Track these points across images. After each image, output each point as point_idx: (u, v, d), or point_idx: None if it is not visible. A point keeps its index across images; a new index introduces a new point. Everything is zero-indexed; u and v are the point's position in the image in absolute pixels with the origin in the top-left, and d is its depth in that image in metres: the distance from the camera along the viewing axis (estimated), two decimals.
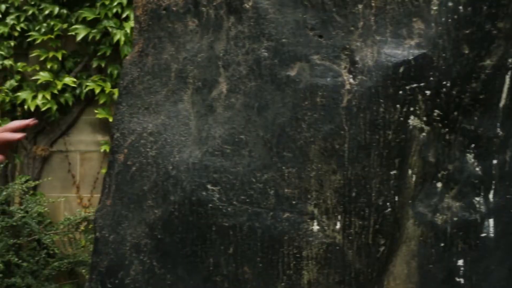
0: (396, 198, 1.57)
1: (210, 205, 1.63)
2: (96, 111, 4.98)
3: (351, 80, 1.56)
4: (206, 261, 1.64)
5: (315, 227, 1.58)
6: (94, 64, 5.01)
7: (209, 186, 1.64)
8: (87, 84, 4.94)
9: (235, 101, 1.65)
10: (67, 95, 4.98)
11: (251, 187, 1.61)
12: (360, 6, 1.57)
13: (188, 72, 1.73)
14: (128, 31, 4.81)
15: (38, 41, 4.92)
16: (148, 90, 1.78)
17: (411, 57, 1.54)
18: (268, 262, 1.60)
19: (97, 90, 4.91)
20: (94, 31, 4.90)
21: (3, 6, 4.91)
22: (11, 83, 4.95)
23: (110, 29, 4.86)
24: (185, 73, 1.73)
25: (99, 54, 4.97)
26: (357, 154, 1.56)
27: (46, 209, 4.78)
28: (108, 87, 4.93)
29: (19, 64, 4.96)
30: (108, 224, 1.75)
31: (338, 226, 1.58)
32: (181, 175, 1.67)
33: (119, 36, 4.84)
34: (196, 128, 1.69)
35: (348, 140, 1.56)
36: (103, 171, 5.10)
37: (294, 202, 1.59)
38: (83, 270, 4.65)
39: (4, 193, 4.56)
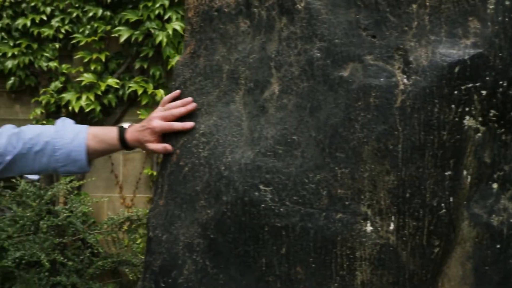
0: (451, 199, 1.56)
1: (263, 205, 1.64)
2: (138, 112, 5.04)
3: (405, 81, 1.56)
4: (259, 261, 1.65)
5: (369, 228, 1.58)
6: (137, 66, 5.08)
7: (261, 187, 1.64)
8: (130, 85, 5.01)
9: (287, 102, 1.65)
10: (110, 96, 5.06)
11: (304, 187, 1.61)
12: (414, 6, 1.57)
13: (240, 73, 1.74)
14: (170, 32, 4.87)
15: (82, 43, 5.01)
16: (200, 91, 1.79)
17: (466, 57, 1.53)
18: (321, 263, 1.60)
19: (140, 91, 4.98)
20: (136, 32, 4.96)
21: (48, 9, 5.00)
22: (56, 84, 5.05)
23: (152, 31, 4.92)
24: (237, 74, 1.74)
25: (141, 55, 5.03)
26: (411, 155, 1.55)
27: (90, 208, 4.85)
28: (150, 88, 4.99)
29: (63, 65, 5.06)
30: (161, 224, 1.77)
31: (391, 227, 1.57)
32: (233, 176, 1.68)
33: (161, 37, 4.90)
34: (248, 129, 1.70)
35: (402, 141, 1.56)
36: (146, 171, 5.16)
37: (347, 202, 1.59)
38: (126, 269, 4.71)
39: (49, 193, 4.64)
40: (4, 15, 5.02)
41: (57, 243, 4.55)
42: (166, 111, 1.83)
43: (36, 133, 1.92)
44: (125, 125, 1.90)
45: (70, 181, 4.74)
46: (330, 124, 1.60)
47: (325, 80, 1.61)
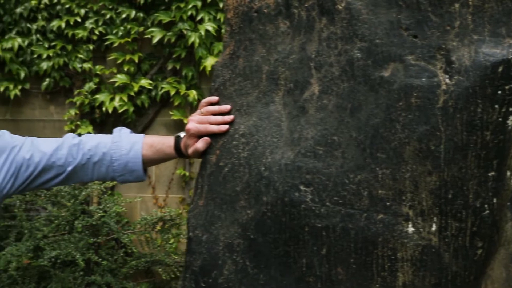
0: (494, 200, 1.55)
1: (303, 206, 1.64)
2: (171, 113, 5.08)
3: (447, 80, 1.55)
4: (299, 262, 1.65)
5: (410, 229, 1.57)
6: (169, 66, 5.11)
7: (301, 187, 1.64)
8: (163, 86, 5.04)
9: (327, 102, 1.65)
10: (143, 97, 5.09)
11: (344, 188, 1.61)
12: (456, 5, 1.55)
13: (279, 73, 1.74)
14: (203, 33, 4.89)
15: (115, 44, 5.05)
16: (240, 91, 1.80)
17: (510, 56, 1.51)
18: (362, 264, 1.60)
19: (172, 92, 5.01)
20: (169, 33, 4.99)
21: (82, 11, 5.05)
22: (89, 85, 5.09)
23: (185, 32, 4.95)
24: (276, 74, 1.74)
25: (174, 56, 5.06)
26: (454, 155, 1.54)
27: (123, 209, 4.89)
28: (183, 88, 5.02)
29: (97, 67, 5.10)
30: (201, 224, 1.78)
31: (434, 228, 1.56)
32: (273, 176, 1.68)
33: (193, 38, 4.92)
34: (288, 129, 1.70)
35: (444, 141, 1.55)
36: (178, 171, 5.19)
37: (388, 203, 1.58)
38: (160, 269, 4.74)
39: (84, 193, 4.69)
40: (40, 17, 5.08)
41: (91, 242, 4.59)
42: (203, 117, 1.85)
43: (94, 144, 1.99)
44: (182, 134, 1.94)
45: (103, 182, 4.78)
46: (371, 125, 1.60)
47: (366, 80, 1.61)
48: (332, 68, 1.65)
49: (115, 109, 5.03)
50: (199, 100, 5.08)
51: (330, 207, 1.62)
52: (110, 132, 5.01)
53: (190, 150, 1.91)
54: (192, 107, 5.14)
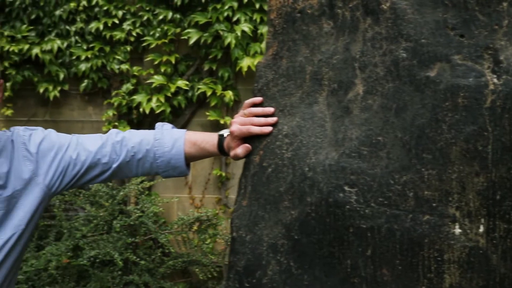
0: None
1: (348, 206, 1.63)
2: (207, 113, 5.10)
3: (495, 80, 1.53)
4: (344, 263, 1.65)
5: (457, 230, 1.55)
6: (206, 67, 5.13)
7: (346, 188, 1.64)
8: (199, 86, 5.06)
9: (372, 103, 1.64)
10: (179, 97, 5.12)
11: (389, 189, 1.60)
12: (505, 4, 1.54)
13: (323, 74, 1.73)
14: (239, 34, 4.90)
15: (152, 46, 5.09)
16: (283, 92, 1.80)
17: None
18: (408, 265, 1.59)
19: (209, 93, 5.02)
20: (205, 34, 5.01)
21: (120, 13, 5.10)
22: (127, 86, 5.14)
23: (221, 33, 4.96)
24: (320, 75, 1.74)
25: (210, 57, 5.08)
26: (502, 156, 1.52)
27: (161, 209, 4.93)
28: (219, 89, 5.03)
29: (134, 68, 5.15)
30: (245, 225, 1.79)
31: (481, 229, 1.54)
32: (317, 177, 1.68)
33: (230, 39, 4.93)
34: (332, 130, 1.70)
35: (492, 142, 1.53)
36: (215, 172, 5.21)
37: (434, 204, 1.57)
38: (197, 269, 4.76)
39: (121, 193, 4.73)
40: (78, 19, 5.14)
41: (129, 242, 4.63)
42: (246, 118, 1.85)
43: (138, 141, 2.03)
44: (225, 132, 1.95)
45: (141, 182, 4.82)
46: (416, 125, 1.59)
47: (411, 80, 1.60)
48: (377, 68, 1.64)
49: (152, 109, 5.06)
50: (235, 101, 5.10)
51: (375, 208, 1.61)
52: None
53: (231, 153, 1.92)
54: (228, 108, 5.15)
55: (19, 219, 1.97)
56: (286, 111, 1.79)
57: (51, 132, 2.05)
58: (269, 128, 1.81)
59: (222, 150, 1.97)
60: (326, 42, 1.74)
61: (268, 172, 1.78)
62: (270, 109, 1.82)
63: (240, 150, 1.86)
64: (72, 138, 2.04)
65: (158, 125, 2.10)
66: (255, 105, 1.87)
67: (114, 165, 2.03)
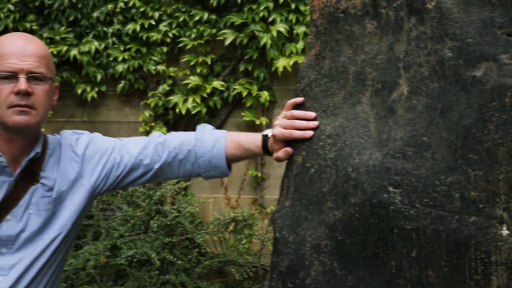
0: None
1: (392, 207, 1.62)
2: (243, 114, 5.11)
3: None
4: (388, 264, 1.64)
5: (505, 232, 1.53)
6: (241, 68, 5.14)
7: (390, 189, 1.63)
8: (235, 87, 5.08)
9: (416, 103, 1.63)
10: (215, 98, 5.14)
11: (435, 189, 1.59)
12: None
13: (366, 74, 1.73)
14: (275, 34, 4.90)
15: (188, 47, 5.12)
16: (325, 92, 1.80)
17: None
18: (454, 266, 1.57)
19: (244, 93, 5.04)
20: (241, 35, 5.02)
21: (157, 14, 5.13)
22: (163, 87, 5.17)
23: (257, 33, 4.97)
24: (363, 75, 1.73)
25: (246, 57, 5.09)
26: None
27: (197, 209, 4.95)
28: (254, 90, 5.04)
29: (171, 69, 5.18)
30: (288, 225, 1.79)
31: None
32: (361, 177, 1.67)
33: (265, 39, 4.94)
34: (375, 130, 1.69)
35: None
36: (250, 172, 5.21)
37: (481, 205, 1.55)
38: (233, 269, 4.77)
39: (158, 193, 4.77)
40: (115, 21, 5.19)
41: (166, 242, 4.66)
42: (288, 121, 1.86)
43: (179, 142, 2.05)
44: (269, 132, 1.96)
45: (177, 182, 4.85)
46: (462, 125, 1.57)
47: (457, 80, 1.58)
48: (422, 68, 1.63)
49: (188, 110, 5.09)
50: (270, 101, 5.10)
51: (420, 208, 1.60)
52: None
53: (274, 156, 1.93)
54: (263, 108, 5.16)
55: (65, 219, 2.00)
56: (329, 112, 1.78)
57: (97, 135, 2.10)
58: (311, 133, 1.80)
59: (266, 150, 1.98)
60: (369, 42, 1.74)
61: (311, 173, 1.77)
62: (312, 114, 1.81)
63: (282, 154, 1.87)
64: (116, 141, 2.08)
65: (199, 126, 2.12)
66: (297, 105, 1.87)
67: (156, 166, 2.05)
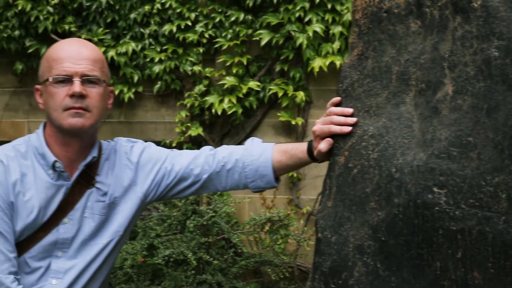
0: None
1: (437, 208, 1.61)
2: (279, 114, 5.10)
3: None
4: (433, 265, 1.62)
5: None
6: (277, 68, 5.14)
7: (435, 189, 1.61)
8: (270, 87, 5.07)
9: (462, 103, 1.61)
10: (251, 98, 5.14)
11: (481, 190, 1.57)
12: None
13: (410, 74, 1.72)
14: (311, 34, 4.89)
15: (224, 47, 5.13)
16: (368, 92, 1.79)
17: None
18: (501, 268, 1.55)
19: (280, 93, 5.03)
20: (277, 35, 5.02)
21: (193, 15, 5.16)
22: (199, 88, 5.19)
23: (293, 33, 4.96)
24: (407, 75, 1.72)
25: (282, 58, 5.09)
26: None
27: (233, 209, 4.96)
28: (290, 90, 5.03)
29: (207, 69, 5.20)
30: (330, 225, 1.78)
31: None
32: (405, 178, 1.66)
33: (301, 39, 4.93)
34: (419, 130, 1.68)
35: None
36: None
37: None
38: (269, 270, 4.77)
39: None
40: (152, 22, 5.23)
41: (202, 242, 4.68)
42: (327, 118, 1.87)
43: (228, 152, 2.08)
44: None
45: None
46: (509, 125, 1.55)
47: (504, 79, 1.56)
48: (467, 68, 1.61)
49: (224, 110, 5.10)
50: (306, 102, 5.09)
51: (466, 209, 1.58)
52: (219, 133, 5.15)
53: (315, 152, 1.93)
54: (299, 108, 5.15)
55: (118, 225, 2.04)
56: (372, 112, 1.78)
57: (151, 144, 2.14)
58: (349, 128, 1.80)
59: (311, 154, 1.98)
60: (413, 41, 1.73)
61: (354, 173, 1.77)
62: (349, 110, 1.82)
63: (323, 145, 1.86)
64: (169, 151, 2.14)
65: (249, 139, 2.15)
66: (335, 105, 1.88)
67: (205, 176, 2.09)
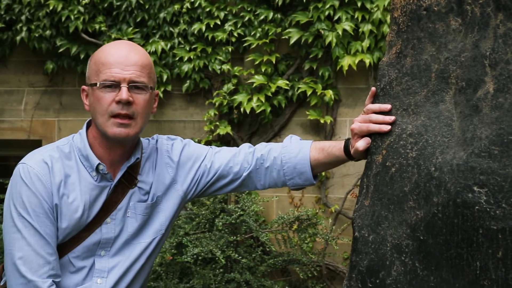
0: None
1: (477, 207, 1.59)
2: (307, 112, 5.10)
3: None
4: (473, 265, 1.61)
5: None
6: (306, 66, 5.13)
7: (475, 188, 1.60)
8: (299, 86, 5.07)
9: (503, 101, 1.60)
10: (279, 97, 5.14)
11: None
12: None
13: (450, 72, 1.70)
14: (340, 33, 4.87)
15: (253, 46, 5.13)
16: (407, 91, 1.78)
17: None
18: None
19: (309, 92, 5.02)
20: (306, 34, 5.02)
21: (222, 14, 5.17)
22: (228, 86, 5.20)
23: (322, 32, 4.95)
24: (447, 73, 1.71)
25: (311, 56, 5.08)
26: None
27: (261, 208, 4.96)
28: (319, 88, 5.02)
29: (235, 68, 5.20)
30: (367, 224, 1.77)
31: None
32: (444, 177, 1.64)
33: (330, 38, 4.92)
34: (459, 129, 1.66)
35: None
36: None
37: None
38: (297, 268, 4.77)
39: None
40: (181, 21, 5.25)
41: (231, 240, 4.69)
42: (366, 116, 1.86)
43: (267, 150, 2.09)
44: None
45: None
46: None
47: None
48: (509, 66, 1.60)
49: (252, 109, 5.10)
50: (335, 100, 5.08)
51: (507, 209, 1.56)
52: (247, 132, 5.15)
53: (352, 151, 1.93)
54: (328, 107, 5.14)
55: (160, 224, 2.05)
56: (410, 110, 1.77)
57: (190, 142, 2.15)
58: (388, 127, 1.79)
59: (348, 153, 1.97)
60: (453, 39, 1.71)
61: (392, 172, 1.76)
62: (387, 106, 1.81)
63: (360, 143, 1.86)
64: (209, 149, 2.14)
65: (287, 137, 2.14)
66: (372, 102, 1.88)
67: (245, 174, 2.09)
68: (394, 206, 1.74)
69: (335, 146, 2.04)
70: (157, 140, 2.13)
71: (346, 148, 1.99)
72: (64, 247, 1.96)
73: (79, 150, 1.99)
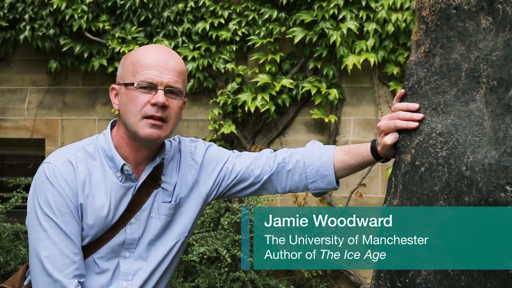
0: None
1: (510, 207, 1.59)
2: (311, 112, 5.09)
3: None
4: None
5: None
6: (310, 65, 5.13)
7: (508, 188, 1.60)
8: (303, 85, 5.06)
9: None
10: (284, 96, 5.13)
11: None
12: None
13: (480, 71, 1.70)
14: (345, 32, 4.87)
15: (257, 45, 5.12)
16: (436, 90, 1.78)
17: None
18: None
19: (313, 91, 5.02)
20: (310, 33, 5.01)
21: (226, 12, 5.16)
22: (232, 85, 5.19)
23: (326, 31, 4.95)
24: (477, 72, 1.70)
25: (315, 55, 5.07)
26: None
27: (265, 207, 4.95)
28: (323, 87, 5.02)
29: (239, 67, 5.19)
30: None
31: None
32: (476, 176, 1.64)
33: (335, 37, 4.92)
34: (491, 128, 1.66)
35: None
36: None
37: None
38: None
39: None
40: (185, 20, 5.23)
41: (236, 239, 4.68)
42: (393, 113, 1.85)
43: (289, 154, 2.08)
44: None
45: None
46: None
47: None
48: None
49: (256, 108, 5.09)
50: (339, 99, 5.07)
51: None
52: (251, 131, 5.13)
53: (379, 147, 1.92)
54: (332, 106, 5.14)
55: (183, 226, 2.04)
56: (440, 109, 1.76)
57: (212, 145, 2.15)
58: (415, 124, 1.79)
59: (375, 153, 1.96)
60: (484, 38, 1.71)
61: (421, 171, 1.76)
62: (415, 105, 1.81)
63: (388, 137, 1.85)
64: (231, 153, 2.13)
65: (310, 142, 2.14)
66: (400, 100, 1.87)
67: (265, 177, 2.08)
68: (424, 206, 1.74)
69: (361, 147, 2.03)
70: (179, 142, 2.13)
71: (373, 148, 1.98)
72: (88, 247, 1.95)
73: (103, 150, 1.98)
